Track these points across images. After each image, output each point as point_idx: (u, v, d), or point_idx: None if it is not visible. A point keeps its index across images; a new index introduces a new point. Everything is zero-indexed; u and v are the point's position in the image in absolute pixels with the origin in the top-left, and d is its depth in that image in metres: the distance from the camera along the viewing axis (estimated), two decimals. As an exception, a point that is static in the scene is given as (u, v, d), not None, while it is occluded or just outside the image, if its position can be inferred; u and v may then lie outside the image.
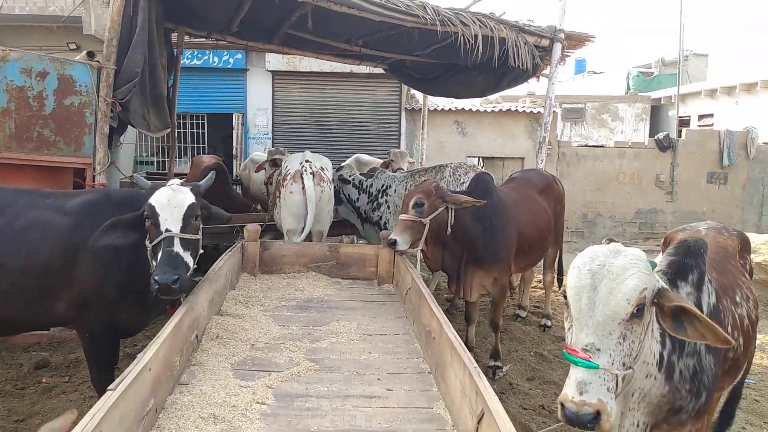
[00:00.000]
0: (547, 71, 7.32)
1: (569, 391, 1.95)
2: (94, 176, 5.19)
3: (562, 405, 1.97)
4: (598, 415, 1.91)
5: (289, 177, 5.40)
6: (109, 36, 5.14)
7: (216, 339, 3.34)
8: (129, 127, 6.79)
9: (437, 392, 2.86)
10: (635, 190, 13.69)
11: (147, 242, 3.27)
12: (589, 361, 1.94)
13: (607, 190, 13.64)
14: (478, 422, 2.17)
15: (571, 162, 13.54)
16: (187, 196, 3.34)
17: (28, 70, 5.10)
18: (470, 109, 13.14)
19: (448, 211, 4.39)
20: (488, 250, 4.60)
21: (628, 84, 23.92)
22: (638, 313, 2.01)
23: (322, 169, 5.74)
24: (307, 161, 5.64)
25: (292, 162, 5.83)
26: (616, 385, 2.00)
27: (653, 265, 2.13)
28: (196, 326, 3.19)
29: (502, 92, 10.41)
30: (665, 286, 2.14)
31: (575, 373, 1.97)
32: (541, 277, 7.03)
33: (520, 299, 6.80)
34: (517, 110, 13.22)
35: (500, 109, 13.20)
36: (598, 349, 1.96)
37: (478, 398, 2.21)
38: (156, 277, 3.05)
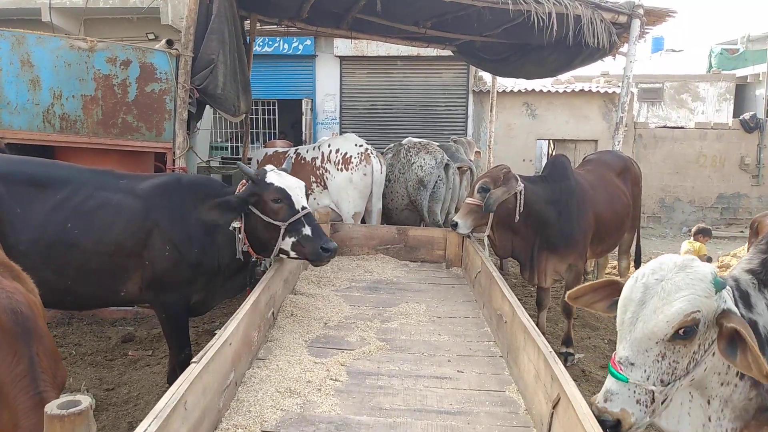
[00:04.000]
0: (624, 49, 6.99)
1: (598, 396, 2.00)
2: (174, 160, 5.41)
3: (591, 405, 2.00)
4: (619, 423, 1.94)
5: (354, 159, 5.47)
6: (187, 24, 5.31)
7: (291, 317, 3.43)
8: (204, 113, 7.08)
9: (509, 376, 2.83)
10: (717, 173, 12.92)
11: (269, 218, 3.44)
12: (620, 373, 1.95)
13: (687, 174, 12.95)
14: (554, 407, 2.13)
15: (648, 144, 12.92)
16: (297, 179, 3.62)
17: (113, 59, 5.36)
18: (540, 90, 12.76)
19: (517, 198, 4.28)
20: (563, 235, 4.47)
21: (710, 62, 22.45)
22: (684, 335, 1.91)
23: None
24: (360, 144, 5.74)
25: (342, 145, 5.88)
26: (653, 399, 1.95)
27: (720, 285, 1.97)
28: (272, 304, 3.30)
29: (575, 72, 10.03)
30: (731, 308, 1.98)
31: (607, 381, 2.00)
32: (615, 263, 6.77)
33: (593, 286, 6.58)
34: (590, 90, 12.72)
35: (572, 90, 12.75)
36: (632, 364, 1.95)
37: (553, 383, 2.17)
38: (326, 246, 3.41)
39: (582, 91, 12.71)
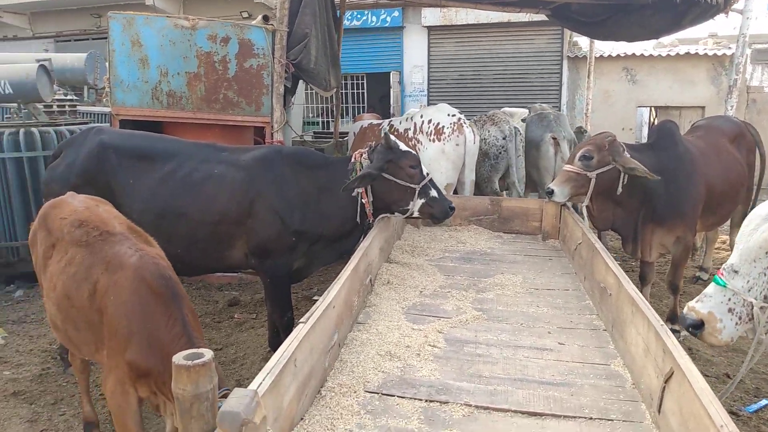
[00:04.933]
0: (739, 5, 6.40)
1: (693, 300, 2.08)
2: (272, 134, 5.60)
3: None
4: (702, 324, 2.00)
5: (446, 129, 5.37)
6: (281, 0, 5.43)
7: (387, 284, 3.49)
8: (298, 89, 7.24)
9: (614, 350, 2.74)
10: (841, 140, 11.64)
11: (405, 182, 3.75)
12: (720, 277, 1.98)
13: (808, 141, 11.77)
14: (666, 382, 2.04)
15: (763, 110, 11.84)
16: None
17: (214, 36, 5.59)
18: (641, 54, 11.97)
19: (620, 170, 4.07)
20: (671, 206, 4.21)
21: (841, 17, 20.09)
22: None
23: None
24: (453, 114, 5.61)
25: (435, 115, 5.76)
26: (750, 316, 1.94)
27: None
28: (369, 271, 3.37)
29: (679, 34, 9.31)
30: None
31: (707, 287, 2.06)
32: (726, 237, 6.33)
33: (702, 260, 6.20)
34: (697, 53, 11.77)
35: (677, 53, 11.86)
36: (735, 272, 1.97)
37: (666, 357, 2.07)
38: (452, 205, 3.90)
39: (688, 54, 11.80)
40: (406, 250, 4.16)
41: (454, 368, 2.54)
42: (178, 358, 1.69)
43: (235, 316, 4.98)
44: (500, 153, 6.15)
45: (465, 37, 12.82)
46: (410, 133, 5.66)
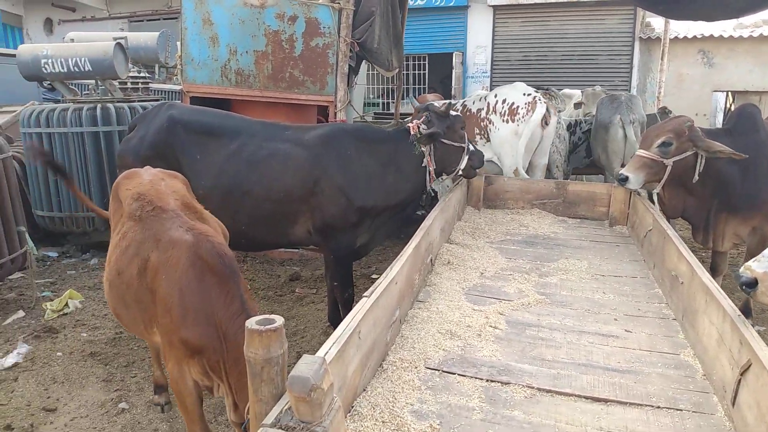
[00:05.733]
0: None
1: (751, 260, 2.12)
2: (335, 113, 5.64)
3: None
4: (756, 283, 2.04)
5: (521, 110, 5.14)
6: (349, -23, 5.42)
7: (447, 264, 3.49)
8: (360, 69, 7.24)
9: (683, 339, 2.64)
10: None
11: (458, 143, 4.02)
12: None
13: None
14: (742, 374, 1.96)
15: None
16: None
17: (282, 15, 5.65)
18: (720, 36, 11.30)
19: (698, 157, 3.86)
20: (748, 196, 3.98)
21: None
22: None
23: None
24: (529, 93, 5.36)
25: (509, 94, 5.46)
26: None
27: None
28: (430, 251, 3.37)
29: (764, 14, 8.74)
30: None
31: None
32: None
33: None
34: (783, 34, 11.02)
35: (760, 34, 11.12)
36: None
37: (742, 348, 1.98)
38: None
39: (773, 34, 11.06)
40: (466, 231, 4.14)
41: (515, 350, 2.52)
42: (251, 323, 1.75)
43: (296, 290, 5.10)
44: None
45: (532, 17, 12.46)
46: (483, 113, 5.45)
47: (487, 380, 2.27)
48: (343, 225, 3.77)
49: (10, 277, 5.15)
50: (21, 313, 4.69)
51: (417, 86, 13.39)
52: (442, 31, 13.12)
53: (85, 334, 4.34)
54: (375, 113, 10.27)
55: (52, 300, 4.87)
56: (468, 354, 2.47)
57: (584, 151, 6.60)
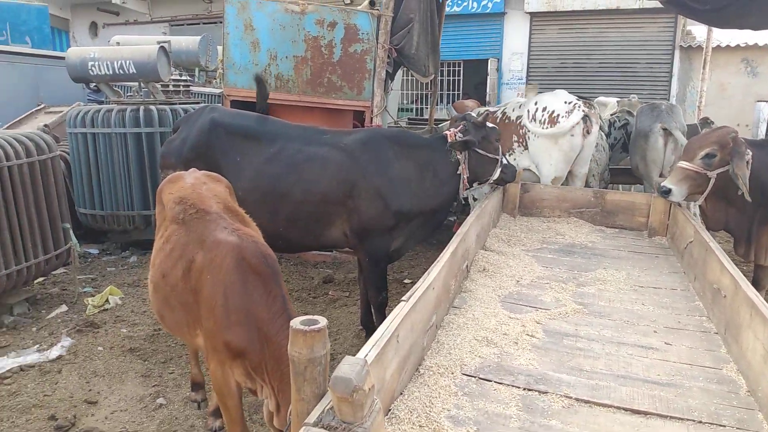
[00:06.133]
0: None
1: None
2: (371, 118, 5.69)
3: None
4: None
5: (561, 119, 5.03)
6: (389, -16, 5.47)
7: (483, 271, 3.48)
8: (395, 74, 7.28)
9: (726, 354, 2.59)
10: None
11: (493, 154, 4.10)
12: None
13: None
14: (789, 391, 1.91)
15: None
16: None
17: (321, 21, 5.74)
18: (765, 45, 11.02)
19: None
20: (793, 208, 3.89)
21: None
22: None
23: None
24: (570, 101, 5.26)
25: (550, 101, 5.27)
26: None
27: None
28: (466, 257, 3.37)
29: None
30: None
31: None
32: None
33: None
34: (833, 43, 10.70)
35: (808, 43, 10.83)
36: None
37: (791, 365, 1.94)
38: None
39: (822, 44, 10.75)
40: (502, 238, 4.12)
41: (553, 359, 2.50)
42: (296, 323, 1.77)
43: (330, 292, 5.15)
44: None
45: (569, 24, 12.36)
46: (522, 121, 5.34)
47: (525, 389, 2.26)
48: (380, 228, 3.80)
49: (53, 272, 5.32)
50: (64, 308, 4.85)
51: (451, 92, 13.39)
52: (478, 38, 13.11)
53: (124, 330, 4.46)
54: (409, 119, 10.31)
55: (93, 296, 5.02)
56: (504, 362, 2.46)
57: (620, 147, 6.60)
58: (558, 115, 4.96)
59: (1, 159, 4.34)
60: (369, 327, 4.25)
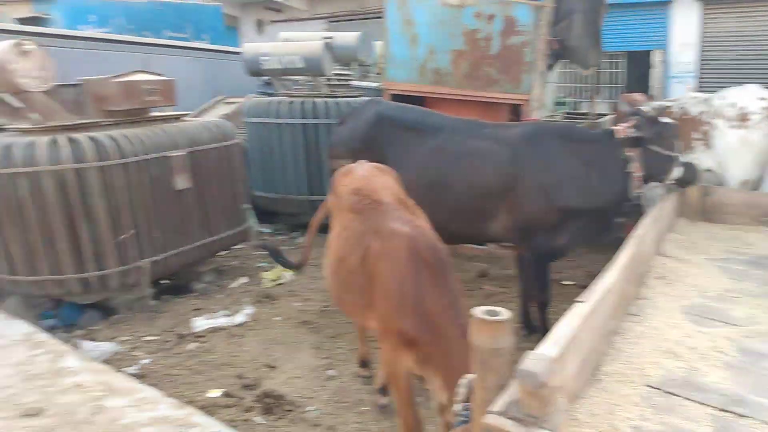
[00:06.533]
0: None
1: None
2: (530, 112, 5.53)
3: None
4: None
5: (754, 116, 4.48)
6: (551, -26, 5.25)
7: (661, 279, 3.24)
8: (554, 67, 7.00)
9: None
10: None
11: (670, 151, 3.80)
12: None
13: None
14: None
15: None
16: None
17: (480, 14, 5.66)
18: None
19: None
20: None
21: None
22: None
23: None
24: (764, 98, 4.71)
25: (739, 97, 4.79)
26: None
27: None
28: (643, 262, 3.16)
29: None
30: None
31: None
32: None
33: None
34: None
35: None
36: None
37: None
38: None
39: None
40: (681, 245, 3.80)
41: (750, 381, 2.26)
42: (479, 312, 1.77)
43: (485, 287, 5.14)
44: None
45: (750, 12, 11.02)
46: (705, 117, 4.91)
47: (719, 409, 2.07)
48: (543, 224, 3.72)
49: (234, 246, 5.90)
50: (244, 279, 5.43)
51: (611, 85, 12.60)
52: (641, 27, 12.16)
53: (297, 304, 4.86)
54: (566, 113, 9.89)
55: (267, 271, 5.49)
56: (692, 378, 2.27)
57: None
58: (750, 111, 4.46)
59: (202, 142, 4.91)
60: (528, 326, 4.18)
